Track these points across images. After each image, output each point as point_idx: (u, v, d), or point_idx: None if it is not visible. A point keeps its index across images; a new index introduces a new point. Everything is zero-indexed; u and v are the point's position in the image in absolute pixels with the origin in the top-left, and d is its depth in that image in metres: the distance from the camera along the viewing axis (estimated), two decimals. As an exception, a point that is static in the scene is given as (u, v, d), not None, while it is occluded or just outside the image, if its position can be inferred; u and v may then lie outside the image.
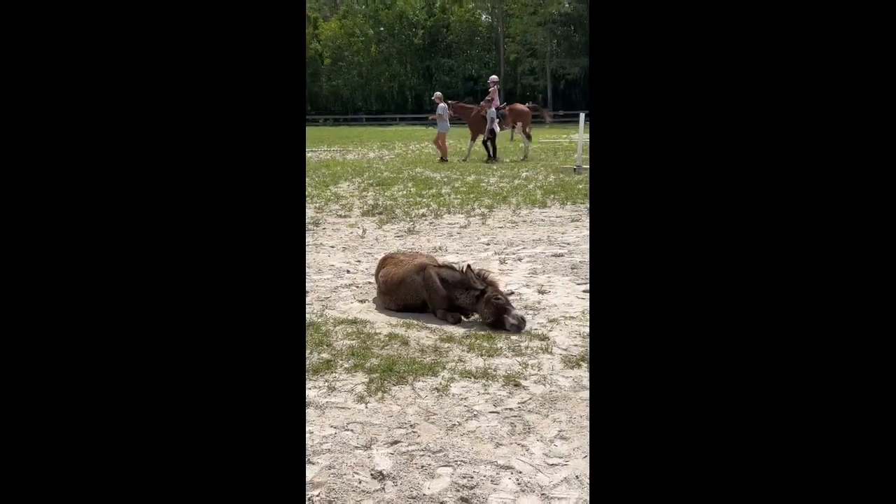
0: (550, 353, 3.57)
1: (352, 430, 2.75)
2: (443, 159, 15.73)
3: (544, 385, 3.15)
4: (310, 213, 8.64)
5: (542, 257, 5.94)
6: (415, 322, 4.11)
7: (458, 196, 9.87)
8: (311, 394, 3.10)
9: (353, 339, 3.83)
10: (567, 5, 52.92)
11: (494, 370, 3.32)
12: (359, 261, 5.93)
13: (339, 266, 5.75)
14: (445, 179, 12.07)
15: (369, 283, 5.05)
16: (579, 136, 13.42)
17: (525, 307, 4.40)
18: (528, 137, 16.54)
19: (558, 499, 2.23)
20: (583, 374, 3.27)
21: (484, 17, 61.47)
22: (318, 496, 2.27)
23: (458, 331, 3.94)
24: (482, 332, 3.89)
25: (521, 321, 3.90)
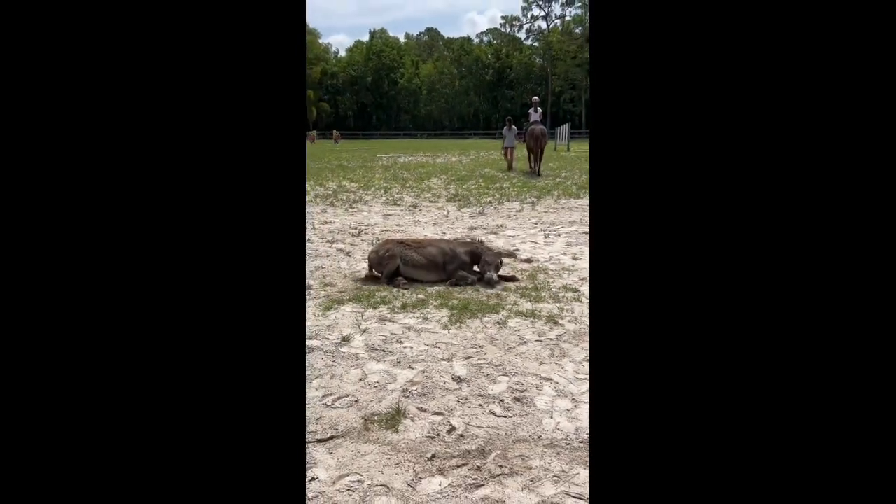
0: (580, 301, 3.52)
1: (439, 348, 2.79)
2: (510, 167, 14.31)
3: (575, 324, 3.12)
4: (410, 199, 8.71)
5: (575, 234, 5.83)
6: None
7: (515, 189, 9.75)
8: (410, 321, 3.16)
9: (440, 286, 3.87)
10: (599, 51, 51.08)
11: (539, 311, 3.30)
12: (444, 233, 5.96)
13: (432, 236, 5.80)
14: (506, 177, 11.93)
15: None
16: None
17: (562, 268, 4.34)
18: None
19: (583, 402, 2.22)
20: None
21: (537, 60, 59.93)
22: (416, 390, 2.33)
23: (512, 286, 3.93)
24: (531, 286, 3.87)
25: (488, 283, 3.81)
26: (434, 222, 6.67)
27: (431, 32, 72.73)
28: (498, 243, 5.30)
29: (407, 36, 69.15)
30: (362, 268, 4.36)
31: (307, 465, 1.81)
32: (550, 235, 5.76)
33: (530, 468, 1.79)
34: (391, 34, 65.29)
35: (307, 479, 1.74)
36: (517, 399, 2.25)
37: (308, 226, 6.36)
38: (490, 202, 8.30)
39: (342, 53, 67.62)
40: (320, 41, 63.22)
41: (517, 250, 4.82)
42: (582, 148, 26.18)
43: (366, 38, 65.58)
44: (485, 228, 6.13)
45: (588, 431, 1.99)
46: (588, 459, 1.83)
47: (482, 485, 1.71)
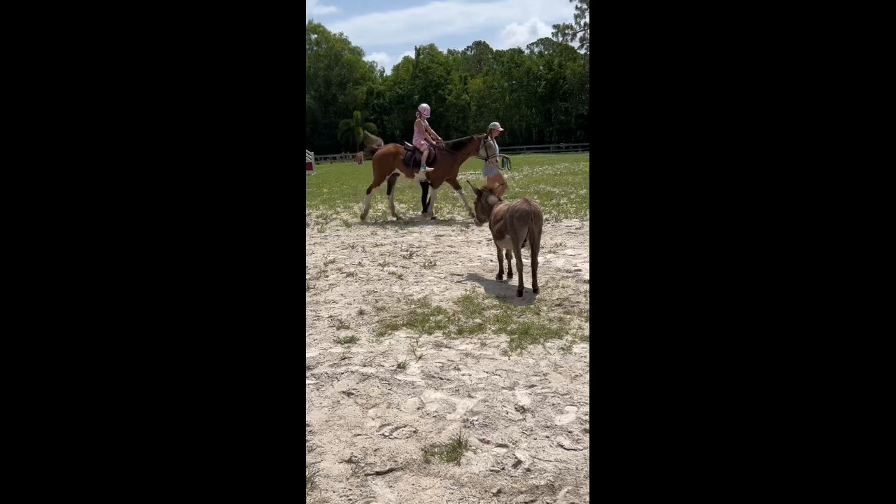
0: (651, 324, 3.42)
1: (499, 375, 2.77)
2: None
3: (647, 349, 3.03)
4: (462, 218, 8.76)
5: (641, 252, 5.69)
6: (546, 300, 4.07)
7: (574, 206, 9.64)
8: (468, 348, 3.15)
9: (498, 310, 3.85)
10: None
11: (607, 336, 3.23)
12: (493, 252, 5.94)
13: (485, 256, 5.80)
14: (563, 193, 11.81)
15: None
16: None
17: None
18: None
19: (661, 435, 2.14)
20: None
21: (592, 69, 59.45)
22: (477, 420, 2.31)
23: (575, 307, 3.86)
24: (596, 308, 3.79)
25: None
26: (487, 242, 6.67)
27: (480, 46, 73.66)
28: (557, 263, 5.23)
29: (450, 52, 70.26)
30: (415, 291, 4.40)
31: (366, 500, 1.82)
32: (614, 254, 5.64)
33: (605, 507, 1.73)
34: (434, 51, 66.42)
35: (367, 514, 1.75)
36: (587, 430, 2.19)
37: (358, 248, 6.50)
38: (547, 219, 8.23)
39: (388, 72, 69.45)
40: (364, 59, 65.23)
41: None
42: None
43: (404, 56, 67.14)
44: (542, 247, 6.07)
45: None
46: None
47: (553, 524, 1.67)
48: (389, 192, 9.23)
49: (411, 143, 8.98)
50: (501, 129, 9.16)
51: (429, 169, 8.71)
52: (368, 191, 9.14)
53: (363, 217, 9.00)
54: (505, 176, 12.67)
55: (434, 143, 8.89)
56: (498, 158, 8.95)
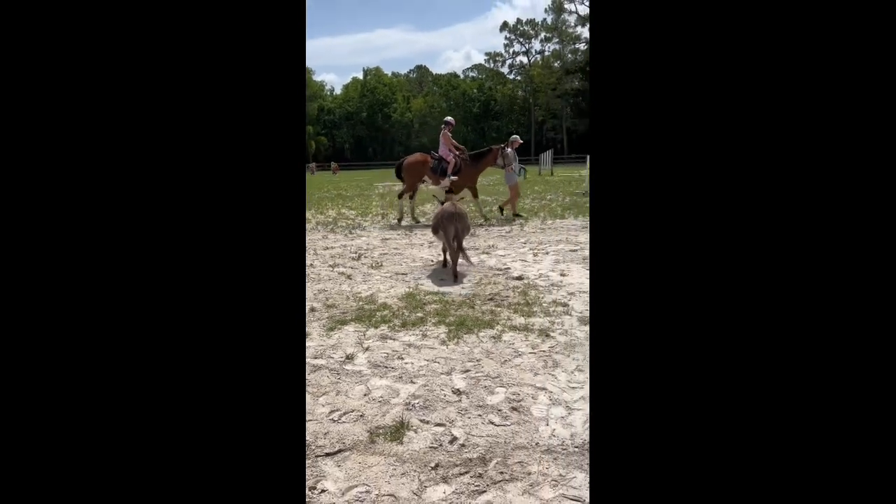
0: (570, 314, 3.53)
1: (438, 362, 2.78)
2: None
3: (566, 336, 3.12)
4: (406, 222, 8.73)
5: (562, 252, 5.86)
6: (479, 294, 4.12)
7: (505, 211, 9.81)
8: (410, 339, 3.15)
9: (438, 305, 3.87)
10: (577, 83, 52.18)
11: (532, 325, 3.31)
12: (439, 254, 5.98)
13: (426, 257, 5.81)
14: (495, 201, 12.00)
15: (436, 268, 5.09)
16: (586, 170, 13.06)
17: (551, 284, 4.36)
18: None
19: (577, 409, 2.22)
20: (592, 329, 3.21)
21: (520, 92, 60.85)
22: (418, 403, 2.32)
23: (505, 301, 3.93)
24: (523, 302, 3.87)
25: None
26: (428, 244, 6.69)
27: (421, 69, 73.70)
28: (490, 262, 5.32)
29: (394, 74, 69.85)
30: (363, 289, 4.36)
31: (316, 479, 1.79)
32: (539, 254, 5.78)
33: (529, 473, 1.78)
34: (376, 74, 65.86)
35: (317, 492, 1.72)
36: (514, 408, 2.24)
37: (310, 251, 6.36)
38: (481, 224, 8.34)
39: (337, 91, 68.31)
40: (315, 78, 63.97)
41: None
42: (564, 172, 26.43)
43: (353, 76, 66.35)
44: (476, 249, 6.16)
45: (582, 437, 1.99)
46: (583, 463, 1.82)
47: (484, 491, 1.70)
48: (412, 196, 9.04)
49: (437, 152, 8.84)
50: (522, 141, 9.21)
51: (454, 178, 8.63)
52: (400, 196, 9.02)
53: (399, 221, 8.79)
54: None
55: (458, 153, 8.76)
56: (516, 168, 9.05)
